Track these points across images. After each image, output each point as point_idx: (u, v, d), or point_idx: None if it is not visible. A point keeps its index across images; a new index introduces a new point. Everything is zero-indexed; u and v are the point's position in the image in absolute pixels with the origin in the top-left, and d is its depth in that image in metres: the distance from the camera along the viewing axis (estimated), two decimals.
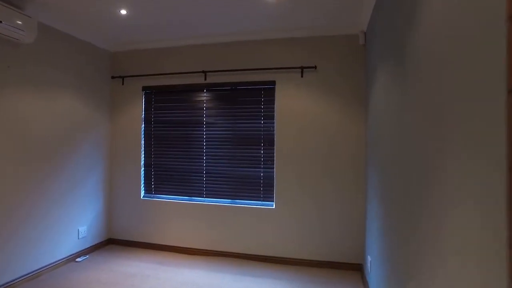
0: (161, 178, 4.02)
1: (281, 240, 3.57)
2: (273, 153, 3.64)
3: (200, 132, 3.87)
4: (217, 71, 3.70)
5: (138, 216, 4.05)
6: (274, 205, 3.61)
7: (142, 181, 4.07)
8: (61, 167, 3.42)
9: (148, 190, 4.08)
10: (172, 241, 3.91)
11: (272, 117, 3.65)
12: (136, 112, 4.05)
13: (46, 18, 3.16)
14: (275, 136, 3.62)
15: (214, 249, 3.77)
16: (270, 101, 3.67)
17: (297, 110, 3.54)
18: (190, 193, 3.92)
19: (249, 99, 3.73)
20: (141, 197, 4.05)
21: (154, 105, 4.03)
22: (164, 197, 4.01)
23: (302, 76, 3.52)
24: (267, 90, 3.68)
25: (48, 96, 3.25)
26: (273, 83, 3.62)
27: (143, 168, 4.07)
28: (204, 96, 3.86)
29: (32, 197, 3.10)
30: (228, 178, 3.79)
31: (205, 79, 3.79)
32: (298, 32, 3.49)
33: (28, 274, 3.06)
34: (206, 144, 3.85)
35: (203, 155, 3.86)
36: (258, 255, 3.62)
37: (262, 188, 3.69)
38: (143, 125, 4.06)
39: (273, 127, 3.64)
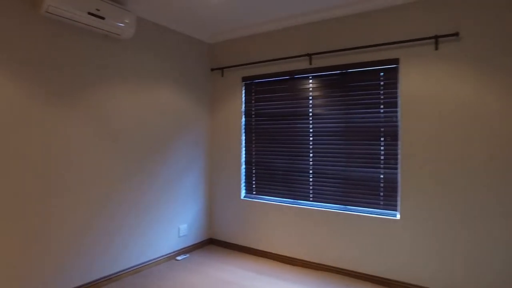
0: (263, 177, 3.65)
1: (406, 261, 2.77)
2: (397, 150, 2.87)
3: (306, 126, 3.35)
4: (323, 52, 3.12)
5: (238, 217, 3.76)
6: (398, 216, 2.85)
7: (243, 180, 3.78)
8: (162, 162, 3.35)
9: (248, 190, 3.76)
10: (273, 247, 3.49)
11: (395, 105, 2.89)
12: (236, 105, 3.78)
13: (144, 12, 3.09)
14: (399, 128, 2.85)
15: (320, 262, 3.20)
16: (392, 84, 2.91)
17: (431, 94, 2.70)
18: (295, 195, 3.43)
19: (364, 84, 3.05)
20: (242, 197, 3.75)
21: (254, 97, 3.69)
22: (265, 198, 3.63)
23: (436, 49, 2.67)
24: (387, 71, 2.94)
25: (147, 91, 3.20)
26: (395, 61, 2.86)
27: (243, 166, 3.77)
28: (309, 84, 3.33)
29: (133, 193, 3.07)
30: (339, 180, 3.17)
31: (310, 64, 3.26)
32: None
33: (132, 267, 3.03)
34: (313, 139, 3.31)
35: (310, 152, 3.33)
36: (374, 276, 2.91)
37: (381, 193, 2.96)
38: (243, 118, 3.77)
39: (396, 117, 2.88)
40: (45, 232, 2.42)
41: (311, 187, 3.32)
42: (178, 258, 3.43)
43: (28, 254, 2.33)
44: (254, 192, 3.71)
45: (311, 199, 3.32)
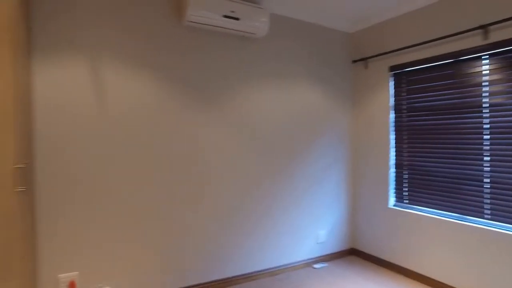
0: (417, 184, 3.03)
1: None
2: None
3: (477, 120, 2.58)
4: (508, 19, 2.31)
5: (385, 229, 3.25)
6: None
7: (391, 186, 3.24)
8: (300, 163, 3.20)
9: (399, 198, 3.20)
10: (426, 269, 2.84)
11: None
12: (382, 99, 3.28)
13: (277, 7, 3.00)
14: None
15: None
16: None
17: None
18: (462, 210, 2.69)
19: None
20: (390, 206, 3.23)
21: (406, 88, 3.11)
22: (420, 209, 3.00)
23: None
24: None
25: (284, 89, 3.11)
26: None
27: (392, 170, 3.24)
28: (483, 65, 2.55)
29: (271, 193, 3.03)
30: None
31: (486, 38, 2.47)
32: None
33: (268, 269, 3.00)
34: (490, 138, 2.52)
35: (484, 155, 2.55)
36: None
37: None
38: (392, 114, 3.23)
39: None
40: (184, 228, 2.63)
41: (487, 201, 2.53)
42: (316, 266, 3.21)
43: (171, 247, 2.58)
44: (405, 201, 3.13)
45: (487, 216, 2.53)
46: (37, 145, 2.09)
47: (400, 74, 3.15)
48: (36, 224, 2.09)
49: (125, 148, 2.37)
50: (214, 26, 2.56)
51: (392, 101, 3.22)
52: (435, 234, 2.81)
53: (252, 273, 2.93)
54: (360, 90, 3.53)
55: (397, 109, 3.19)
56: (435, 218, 2.82)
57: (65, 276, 2.17)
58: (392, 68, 3.17)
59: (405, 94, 3.11)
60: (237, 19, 2.55)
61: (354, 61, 3.50)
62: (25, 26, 1.91)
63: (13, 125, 1.67)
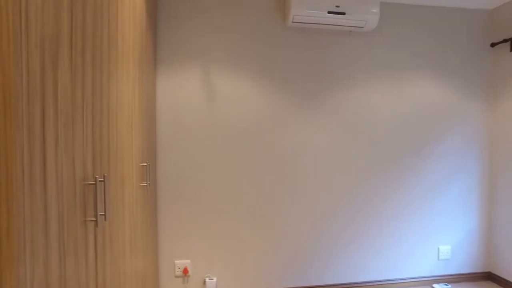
0: None
1: None
2: None
3: None
4: None
5: None
6: None
7: None
8: (416, 167, 2.81)
9: None
10: None
11: None
12: None
13: None
14: None
15: None
16: None
17: None
18: None
19: None
20: None
21: None
22: None
23: None
24: None
25: (397, 85, 2.78)
26: None
27: None
28: None
29: (380, 197, 2.76)
30: None
31: None
32: None
33: (371, 282, 2.78)
34: None
35: None
36: None
37: None
38: None
39: None
40: (288, 230, 2.63)
41: None
42: (436, 286, 2.78)
43: (274, 248, 2.61)
44: None
45: None
46: (159, 146, 2.41)
47: None
48: (158, 215, 2.42)
49: (234, 149, 2.52)
50: (319, 24, 2.47)
51: None
52: None
53: (354, 283, 2.74)
54: (501, 79, 2.86)
55: None
56: None
57: (180, 263, 2.46)
58: None
59: None
60: (343, 13, 2.40)
61: (493, 44, 2.85)
62: (152, 39, 2.21)
63: (140, 129, 1.96)
